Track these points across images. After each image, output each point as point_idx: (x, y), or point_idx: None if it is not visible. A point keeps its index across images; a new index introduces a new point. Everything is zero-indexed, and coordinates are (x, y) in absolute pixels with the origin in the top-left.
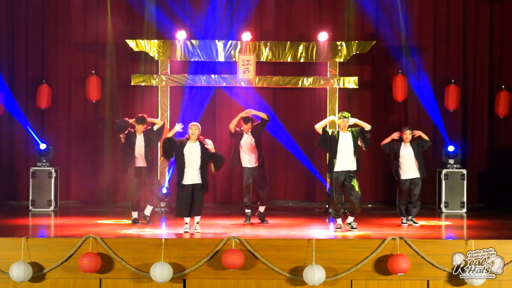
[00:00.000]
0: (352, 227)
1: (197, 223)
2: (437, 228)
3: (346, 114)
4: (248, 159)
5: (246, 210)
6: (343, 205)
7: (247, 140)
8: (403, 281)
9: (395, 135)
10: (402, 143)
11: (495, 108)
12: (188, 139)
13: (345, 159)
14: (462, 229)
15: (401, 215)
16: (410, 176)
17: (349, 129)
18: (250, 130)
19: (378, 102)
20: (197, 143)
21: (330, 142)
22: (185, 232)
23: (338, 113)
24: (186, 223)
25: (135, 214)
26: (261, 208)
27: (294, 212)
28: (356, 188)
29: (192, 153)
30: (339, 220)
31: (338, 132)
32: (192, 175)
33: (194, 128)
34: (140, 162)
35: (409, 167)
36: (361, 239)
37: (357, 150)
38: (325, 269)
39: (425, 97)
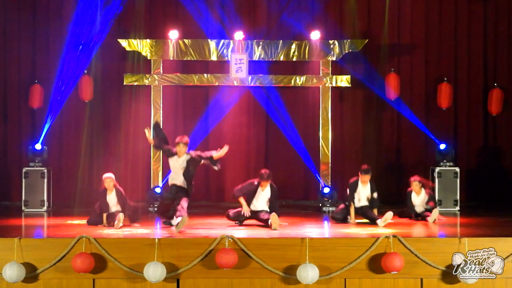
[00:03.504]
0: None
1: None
2: (430, 226)
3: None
4: None
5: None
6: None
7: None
8: (397, 280)
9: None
10: (414, 194)
11: (488, 106)
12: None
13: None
14: (455, 227)
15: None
16: (421, 210)
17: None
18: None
19: (370, 100)
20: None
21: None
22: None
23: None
24: None
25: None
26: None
27: (287, 210)
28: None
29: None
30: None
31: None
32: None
33: (109, 181)
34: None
35: (422, 206)
36: (355, 237)
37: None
38: (319, 268)
39: (418, 95)
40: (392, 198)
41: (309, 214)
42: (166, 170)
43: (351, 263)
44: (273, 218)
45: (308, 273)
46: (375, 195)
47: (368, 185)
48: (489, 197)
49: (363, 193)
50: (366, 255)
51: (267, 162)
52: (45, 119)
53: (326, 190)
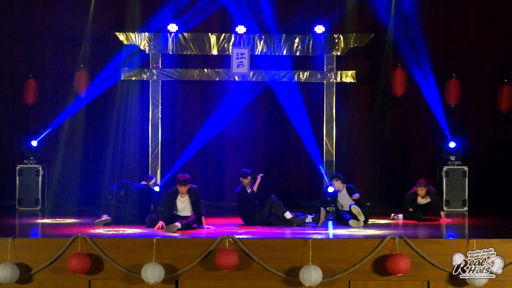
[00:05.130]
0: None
1: None
2: (437, 227)
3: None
4: None
5: None
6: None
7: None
8: (403, 282)
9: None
10: (419, 197)
11: (497, 103)
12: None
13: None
14: (463, 228)
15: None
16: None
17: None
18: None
19: (376, 97)
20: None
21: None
22: None
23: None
24: None
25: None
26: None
27: (290, 210)
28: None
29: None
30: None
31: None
32: None
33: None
34: None
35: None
36: (359, 238)
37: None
38: (322, 270)
39: (426, 91)
40: (397, 197)
41: (312, 214)
42: (165, 168)
43: (356, 264)
44: (354, 209)
45: (311, 275)
46: (354, 208)
47: (344, 191)
48: (499, 197)
49: (343, 199)
50: (371, 257)
51: (268, 160)
52: (45, 116)
53: (331, 189)
